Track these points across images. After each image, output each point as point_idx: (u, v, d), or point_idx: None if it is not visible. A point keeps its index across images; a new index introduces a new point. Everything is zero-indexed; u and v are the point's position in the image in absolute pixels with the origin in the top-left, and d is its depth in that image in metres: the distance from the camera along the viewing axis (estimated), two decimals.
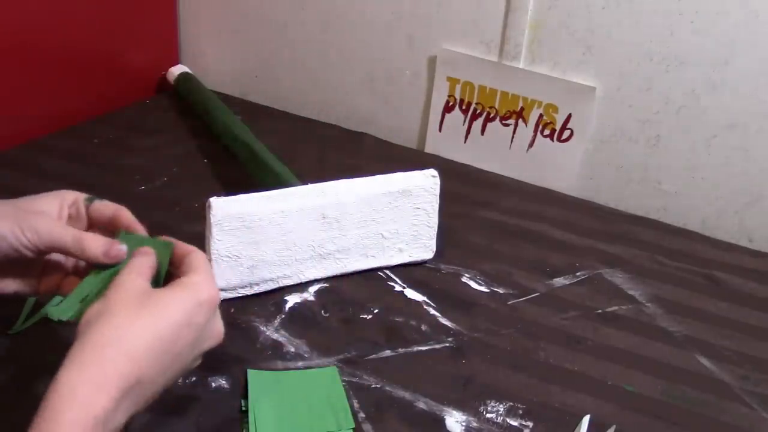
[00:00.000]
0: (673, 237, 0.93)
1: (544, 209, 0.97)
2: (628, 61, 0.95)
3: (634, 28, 0.93)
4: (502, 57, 1.03)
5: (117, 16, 1.12)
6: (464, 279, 0.80)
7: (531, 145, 1.05)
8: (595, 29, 0.96)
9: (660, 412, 0.65)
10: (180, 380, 0.63)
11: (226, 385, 0.63)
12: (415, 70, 1.11)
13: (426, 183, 0.79)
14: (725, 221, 0.98)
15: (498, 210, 0.95)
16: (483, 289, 0.79)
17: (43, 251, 0.54)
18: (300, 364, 0.66)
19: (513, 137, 1.06)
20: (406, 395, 0.64)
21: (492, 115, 1.06)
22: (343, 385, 0.64)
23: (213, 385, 0.63)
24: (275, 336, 0.69)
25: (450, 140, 1.10)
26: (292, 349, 0.68)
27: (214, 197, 0.69)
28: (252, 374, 0.64)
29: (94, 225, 0.58)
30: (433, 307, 0.75)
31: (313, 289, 0.77)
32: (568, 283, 0.82)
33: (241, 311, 0.72)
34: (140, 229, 0.56)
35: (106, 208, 0.57)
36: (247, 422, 0.59)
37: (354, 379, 0.65)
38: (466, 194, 0.98)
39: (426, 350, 0.70)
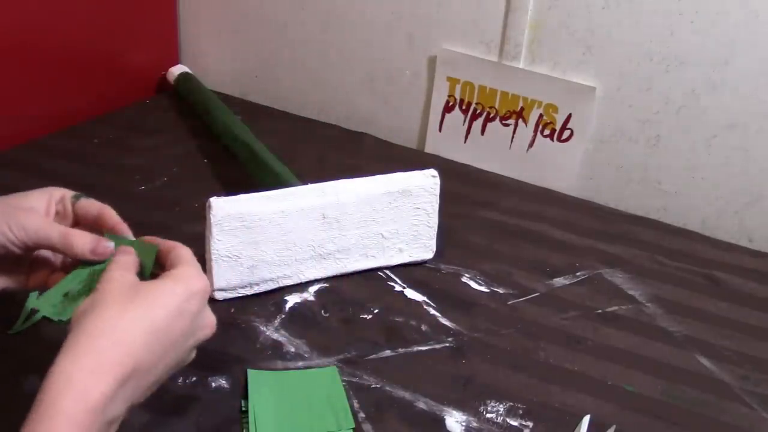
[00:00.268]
0: (673, 237, 0.93)
1: (544, 209, 0.97)
2: (628, 61, 0.95)
3: (634, 28, 0.93)
4: (502, 57, 1.03)
5: (117, 16, 1.12)
6: (464, 279, 0.80)
7: (531, 145, 1.05)
8: (595, 29, 0.96)
9: (660, 412, 0.65)
10: (180, 380, 0.63)
11: (226, 385, 0.63)
12: (415, 70, 1.11)
13: (426, 183, 0.79)
14: (725, 221, 0.98)
15: (498, 210, 0.95)
16: (483, 289, 0.79)
17: (30, 248, 0.54)
18: (300, 364, 0.66)
19: (513, 137, 1.06)
20: (406, 395, 0.64)
21: (492, 115, 1.06)
22: (343, 385, 0.64)
23: (213, 385, 0.63)
24: (275, 336, 0.69)
25: (450, 140, 1.10)
26: (292, 349, 0.68)
27: (214, 197, 0.69)
28: (252, 374, 0.64)
29: (80, 222, 0.58)
30: (433, 307, 0.75)
31: (313, 289, 0.77)
32: (568, 283, 0.82)
33: (241, 311, 0.72)
34: (125, 229, 0.56)
35: (91, 206, 0.57)
36: (247, 422, 0.59)
37: (354, 379, 0.65)
38: (466, 194, 0.98)
39: (426, 350, 0.70)
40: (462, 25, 1.04)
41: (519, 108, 1.04)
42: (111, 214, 0.57)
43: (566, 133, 1.02)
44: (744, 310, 0.80)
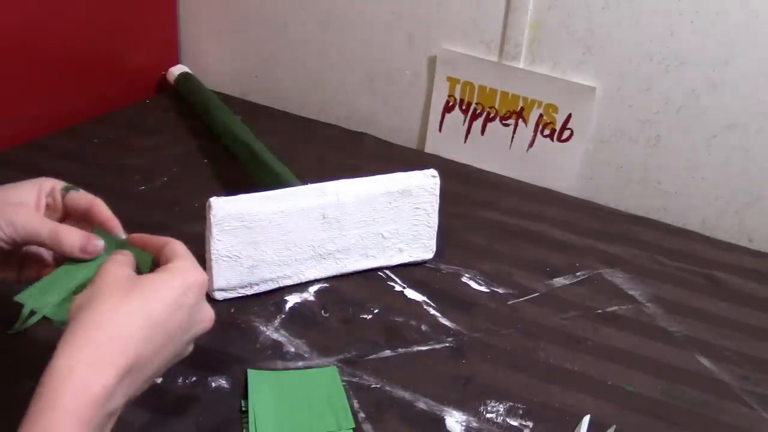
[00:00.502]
0: (673, 237, 0.93)
1: (544, 209, 0.97)
2: (628, 61, 0.95)
3: (634, 28, 0.93)
4: (502, 57, 1.03)
5: (117, 16, 1.12)
6: (464, 279, 0.80)
7: (531, 145, 1.05)
8: (595, 29, 0.96)
9: (660, 412, 0.65)
10: (180, 380, 0.63)
11: (226, 385, 0.63)
12: (415, 70, 1.11)
13: (426, 183, 0.79)
14: (725, 221, 0.98)
15: (498, 210, 0.95)
16: (483, 289, 0.79)
17: (19, 243, 0.54)
18: (300, 364, 0.66)
19: (513, 137, 1.06)
20: (406, 395, 0.64)
21: (492, 115, 1.06)
22: (343, 385, 0.64)
23: (213, 385, 0.63)
24: (275, 336, 0.69)
25: (450, 140, 1.10)
26: (292, 349, 0.68)
27: (214, 197, 0.69)
28: (252, 374, 0.64)
29: (70, 215, 0.57)
30: (433, 307, 0.75)
31: (313, 289, 0.77)
32: (568, 283, 0.82)
33: (241, 311, 0.72)
34: (115, 224, 0.56)
35: (81, 198, 0.57)
36: (247, 422, 0.59)
37: (354, 379, 0.65)
38: (466, 194, 0.98)
39: (426, 350, 0.70)
40: (462, 25, 1.04)
41: (519, 108, 1.04)
42: (101, 208, 0.56)
43: (566, 133, 1.02)
44: (744, 310, 0.80)
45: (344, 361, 0.67)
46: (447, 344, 0.71)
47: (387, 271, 0.80)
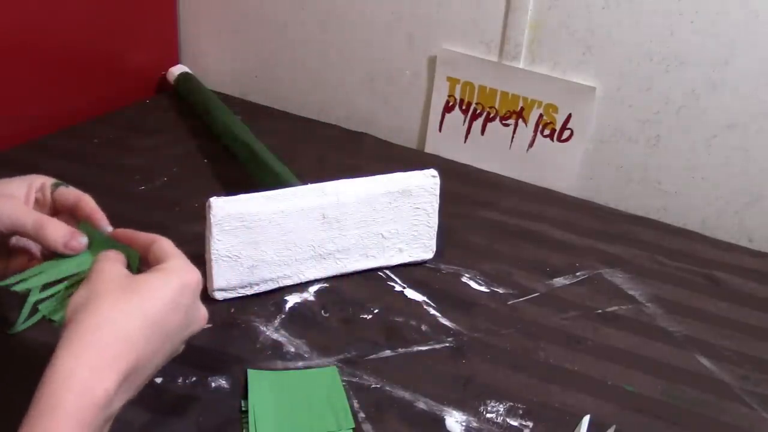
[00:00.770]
0: (673, 237, 0.93)
1: (544, 209, 0.97)
2: (628, 61, 0.95)
3: (634, 28, 0.93)
4: (502, 57, 1.03)
5: (117, 16, 1.12)
6: (464, 279, 0.80)
7: (531, 145, 1.05)
8: (595, 29, 0.96)
9: (660, 412, 0.65)
10: (180, 380, 0.63)
11: (226, 385, 0.63)
12: (415, 70, 1.11)
13: (426, 183, 0.79)
14: (725, 221, 0.98)
15: (498, 210, 0.95)
16: (483, 289, 0.79)
17: (5, 234, 0.54)
18: (300, 364, 0.66)
19: (513, 137, 1.06)
20: (406, 395, 0.64)
21: (492, 115, 1.06)
22: (343, 385, 0.64)
23: (213, 385, 0.63)
24: (275, 336, 0.69)
25: (450, 140, 1.10)
26: (292, 349, 0.68)
27: (214, 197, 0.69)
28: (252, 374, 0.64)
29: (59, 210, 0.57)
30: (433, 307, 0.75)
31: (313, 289, 0.77)
32: (568, 283, 0.82)
33: (241, 311, 0.72)
34: (100, 216, 0.56)
35: (69, 194, 0.57)
36: (247, 422, 0.59)
37: (354, 379, 0.65)
38: (466, 194, 0.98)
39: (426, 350, 0.70)
40: (462, 25, 1.04)
41: (519, 108, 1.04)
42: (87, 203, 0.56)
43: (566, 133, 1.02)
44: (744, 310, 0.80)
45: (344, 361, 0.67)
46: (447, 344, 0.71)
47: (387, 271, 0.80)
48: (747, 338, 0.75)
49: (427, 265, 0.82)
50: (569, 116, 1.01)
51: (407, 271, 0.81)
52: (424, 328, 0.72)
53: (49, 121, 1.05)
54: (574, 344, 0.72)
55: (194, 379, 0.63)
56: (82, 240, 0.54)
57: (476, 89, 1.06)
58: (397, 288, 0.78)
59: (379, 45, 1.12)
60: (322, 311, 0.74)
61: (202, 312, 0.52)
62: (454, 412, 0.63)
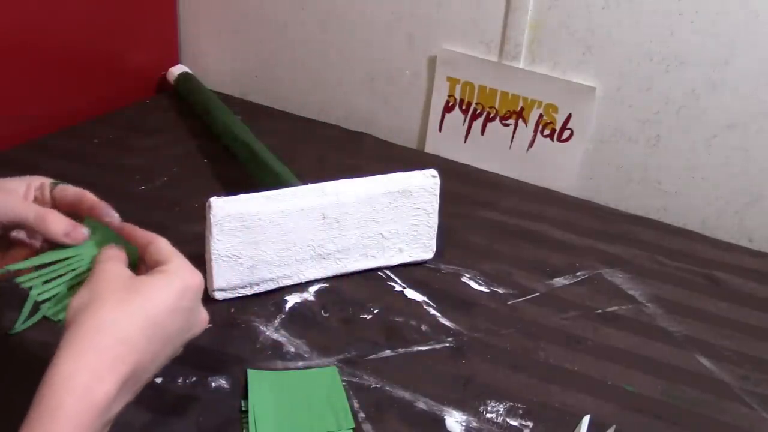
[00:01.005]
0: (673, 237, 0.93)
1: (544, 209, 0.97)
2: (628, 61, 0.95)
3: (634, 28, 0.93)
4: (502, 57, 1.03)
5: (117, 16, 1.12)
6: (464, 279, 0.80)
7: (531, 145, 1.05)
8: (595, 29, 0.96)
9: (660, 412, 0.65)
10: (180, 380, 0.63)
11: (226, 385, 0.63)
12: (415, 70, 1.11)
13: (426, 183, 0.79)
14: (725, 221, 0.98)
15: (498, 210, 0.95)
16: (483, 289, 0.79)
17: (6, 227, 0.54)
18: (300, 364, 0.66)
19: (513, 137, 1.06)
20: (406, 395, 0.64)
21: (492, 115, 1.06)
22: (343, 385, 0.64)
23: (213, 385, 0.63)
24: (275, 336, 0.69)
25: (450, 140, 1.10)
26: (292, 349, 0.68)
27: (214, 197, 0.69)
28: (252, 374, 0.64)
29: (58, 208, 0.57)
30: (433, 307, 0.75)
31: (313, 289, 0.77)
32: (568, 283, 0.82)
33: (241, 311, 0.72)
34: (104, 207, 0.55)
35: (68, 191, 0.57)
36: (247, 422, 0.59)
37: (354, 379, 0.65)
38: (466, 194, 0.98)
39: (426, 350, 0.70)
40: (462, 25, 1.04)
41: (519, 108, 1.04)
42: (89, 198, 0.56)
43: (566, 133, 1.02)
44: (744, 310, 0.80)
45: (344, 361, 0.67)
46: (447, 344, 0.71)
47: (387, 271, 0.80)
48: (747, 338, 0.75)
49: (427, 265, 0.82)
50: (569, 116, 1.01)
51: (407, 271, 0.81)
52: (424, 328, 0.72)
53: (49, 121, 1.05)
54: (574, 344, 0.72)
55: (194, 379, 0.63)
56: (84, 231, 0.54)
57: (476, 89, 1.06)
58: (397, 288, 0.78)
59: (379, 45, 1.12)
60: (322, 311, 0.74)
61: (203, 315, 0.52)
62: (454, 412, 0.63)
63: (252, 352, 0.67)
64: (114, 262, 0.50)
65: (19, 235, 0.57)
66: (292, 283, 0.76)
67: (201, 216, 0.70)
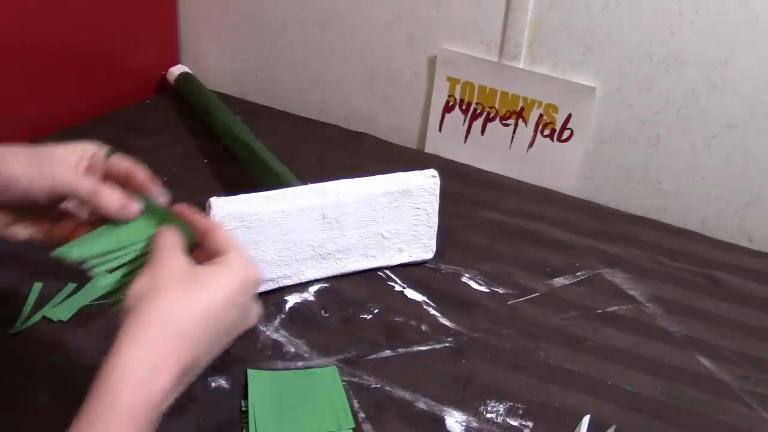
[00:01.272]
0: (673, 237, 0.93)
1: (544, 209, 0.97)
2: (628, 61, 0.95)
3: (634, 28, 0.93)
4: (502, 57, 1.03)
5: (117, 16, 1.12)
6: (464, 279, 0.80)
7: (531, 145, 1.05)
8: (595, 29, 0.96)
9: (660, 412, 0.65)
10: None
11: (226, 385, 0.63)
12: (415, 70, 1.11)
13: (426, 183, 0.79)
14: (725, 221, 0.98)
15: (498, 210, 0.95)
16: (483, 289, 0.79)
17: (57, 198, 0.53)
18: (300, 364, 0.66)
19: (513, 137, 1.06)
20: (406, 395, 0.64)
21: (492, 115, 1.06)
22: (343, 385, 0.64)
23: (213, 385, 0.63)
24: (275, 336, 0.69)
25: (450, 140, 1.10)
26: (292, 349, 0.68)
27: (214, 197, 0.69)
28: (252, 374, 0.64)
29: (109, 179, 0.56)
30: (433, 307, 0.75)
31: (313, 289, 0.77)
32: (568, 283, 0.82)
33: None
34: (153, 188, 0.55)
35: (121, 164, 0.56)
36: (247, 422, 0.59)
37: (354, 379, 0.65)
38: (466, 194, 0.98)
39: (426, 350, 0.70)
40: (462, 25, 1.04)
41: (519, 108, 1.04)
42: (141, 175, 0.55)
43: (566, 133, 1.02)
44: (744, 310, 0.80)
45: (344, 361, 0.67)
46: (447, 344, 0.71)
47: (387, 271, 0.80)
48: (747, 338, 0.75)
49: (427, 265, 0.82)
50: (569, 116, 1.01)
51: (407, 271, 0.81)
52: (424, 328, 0.72)
53: (49, 121, 1.05)
54: (574, 344, 0.72)
55: (194, 379, 0.63)
56: (137, 206, 0.53)
57: (476, 89, 1.06)
58: (397, 288, 0.78)
59: (379, 45, 1.12)
60: (322, 311, 0.74)
61: (256, 309, 0.51)
62: (454, 412, 0.63)
63: (252, 352, 0.67)
64: (173, 249, 0.49)
65: (68, 205, 0.56)
66: (292, 283, 0.76)
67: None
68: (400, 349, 0.69)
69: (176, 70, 1.22)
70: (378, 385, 0.65)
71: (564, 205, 0.99)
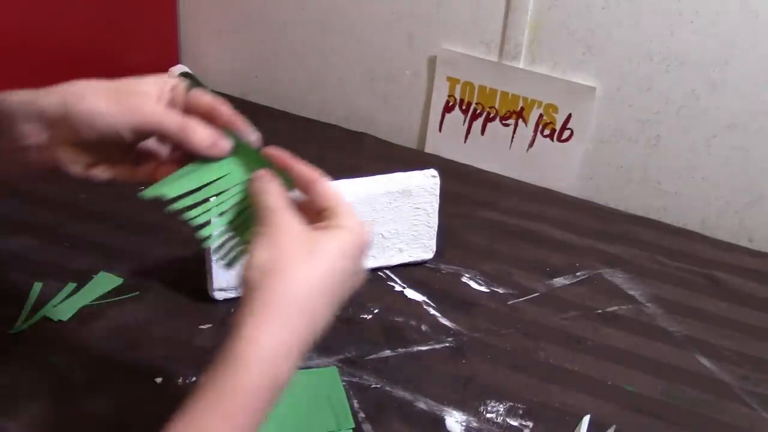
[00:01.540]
0: (673, 237, 0.93)
1: (544, 209, 0.97)
2: (628, 61, 0.95)
3: (634, 28, 0.93)
4: (502, 57, 1.03)
5: (117, 16, 1.12)
6: (464, 279, 0.80)
7: (531, 145, 1.05)
8: (595, 29, 0.96)
9: (660, 412, 0.65)
10: (180, 380, 0.63)
11: None
12: (415, 70, 1.11)
13: (426, 183, 0.79)
14: (725, 221, 0.98)
15: (498, 210, 0.95)
16: (483, 289, 0.79)
17: (142, 135, 0.50)
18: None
19: (513, 137, 1.06)
20: (406, 395, 0.64)
21: (492, 115, 1.06)
22: (343, 385, 0.64)
23: None
24: None
25: (450, 140, 1.10)
26: None
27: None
28: None
29: (190, 113, 0.52)
30: (433, 307, 0.75)
31: None
32: (568, 283, 0.82)
33: None
34: (240, 124, 0.51)
35: (203, 98, 0.52)
36: None
37: (354, 379, 0.65)
38: (466, 194, 0.98)
39: (426, 350, 0.70)
40: (462, 25, 1.04)
41: (519, 108, 1.04)
42: (225, 110, 0.51)
43: (566, 133, 1.02)
44: (744, 310, 0.80)
45: (344, 361, 0.67)
46: (447, 344, 0.71)
47: (387, 271, 0.80)
48: (747, 338, 0.75)
49: (427, 265, 0.82)
50: (569, 116, 1.01)
51: (407, 271, 0.81)
52: (424, 328, 0.72)
53: None
54: (574, 344, 0.72)
55: (194, 379, 0.63)
56: (227, 143, 0.50)
57: (476, 89, 1.06)
58: (397, 288, 0.78)
59: (379, 45, 1.12)
60: None
61: (364, 271, 0.49)
62: (454, 412, 0.63)
63: None
64: (286, 208, 0.47)
65: (147, 144, 0.53)
66: None
67: None
68: (400, 349, 0.69)
69: (176, 70, 1.22)
70: (378, 385, 0.65)
71: (564, 205, 0.99)
